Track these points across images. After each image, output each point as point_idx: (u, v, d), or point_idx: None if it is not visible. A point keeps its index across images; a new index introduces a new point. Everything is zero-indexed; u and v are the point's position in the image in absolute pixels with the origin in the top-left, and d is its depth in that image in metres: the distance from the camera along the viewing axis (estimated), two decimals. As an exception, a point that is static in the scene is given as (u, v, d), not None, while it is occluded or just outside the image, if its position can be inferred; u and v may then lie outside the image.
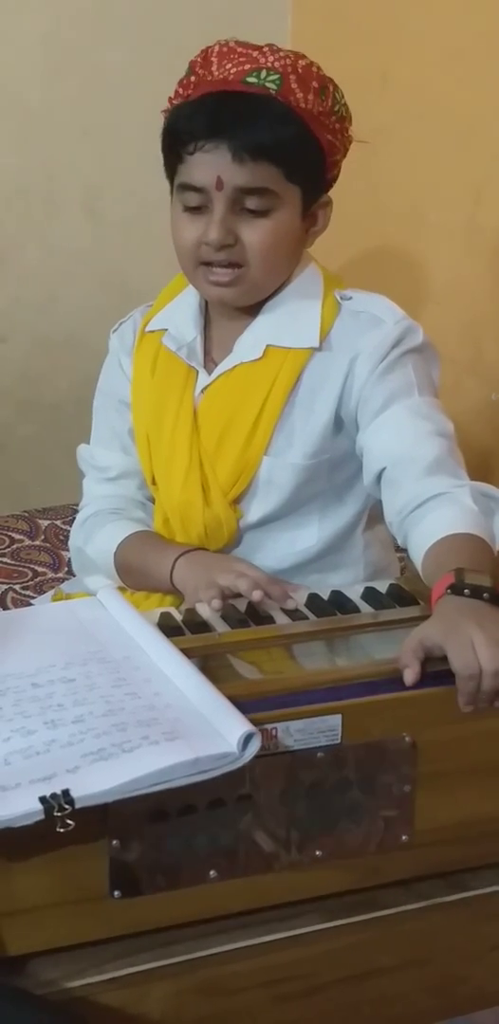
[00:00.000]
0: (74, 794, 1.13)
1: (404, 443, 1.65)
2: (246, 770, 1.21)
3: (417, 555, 1.55)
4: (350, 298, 1.75)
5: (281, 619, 1.53)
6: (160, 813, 1.21)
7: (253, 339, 1.74)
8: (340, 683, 1.32)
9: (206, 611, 1.55)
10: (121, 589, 1.72)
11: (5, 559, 2.42)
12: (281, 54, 1.66)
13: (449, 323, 2.59)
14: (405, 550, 1.64)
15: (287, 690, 1.30)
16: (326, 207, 1.74)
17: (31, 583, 2.34)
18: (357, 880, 1.32)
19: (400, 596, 1.59)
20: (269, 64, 1.64)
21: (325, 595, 1.60)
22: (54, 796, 1.13)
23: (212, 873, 1.25)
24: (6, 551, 2.45)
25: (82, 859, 1.20)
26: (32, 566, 2.40)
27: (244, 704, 1.24)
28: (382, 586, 1.63)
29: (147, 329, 1.84)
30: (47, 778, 1.15)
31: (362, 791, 1.29)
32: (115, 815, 1.19)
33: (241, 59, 1.65)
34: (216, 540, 1.76)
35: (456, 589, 1.37)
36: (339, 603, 1.58)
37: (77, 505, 1.93)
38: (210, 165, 1.62)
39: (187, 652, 1.37)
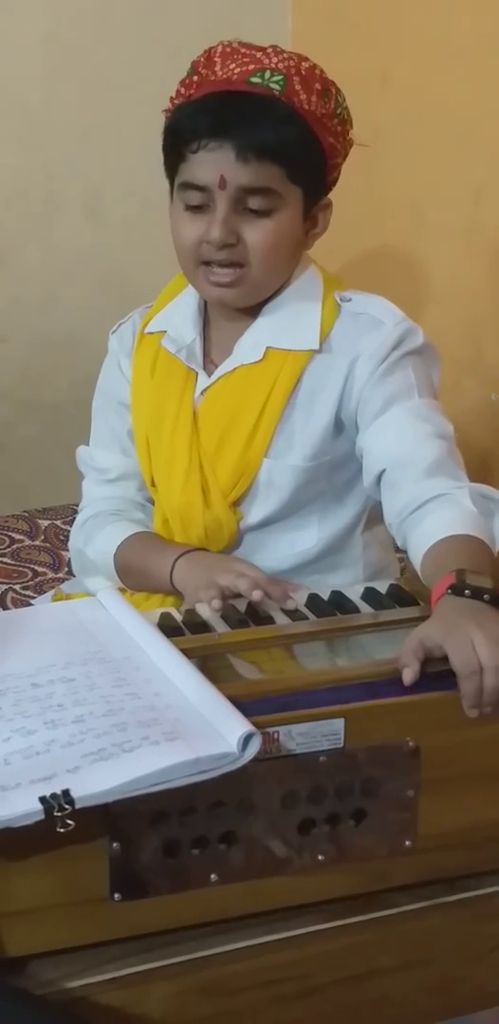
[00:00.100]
0: (74, 794, 1.13)
1: (404, 445, 1.65)
2: (248, 773, 1.21)
3: (416, 556, 1.55)
4: (350, 300, 1.75)
5: (281, 619, 1.53)
6: (161, 816, 1.21)
7: (253, 341, 1.74)
8: (341, 683, 1.31)
9: (206, 611, 1.55)
10: (121, 590, 1.72)
11: (5, 559, 2.42)
12: (285, 55, 1.66)
13: (449, 323, 2.59)
14: (405, 551, 1.64)
15: (287, 690, 1.30)
16: (326, 209, 1.74)
17: (31, 583, 2.34)
18: (360, 885, 1.32)
19: (400, 596, 1.59)
20: (273, 65, 1.64)
21: (325, 595, 1.60)
22: (54, 796, 1.13)
23: (213, 877, 1.25)
24: (6, 551, 2.45)
25: (82, 860, 1.20)
26: (32, 566, 2.40)
27: (245, 705, 1.24)
28: (382, 586, 1.62)
29: (146, 331, 1.84)
30: (47, 778, 1.15)
31: (365, 796, 1.28)
32: (115, 816, 1.19)
33: (245, 59, 1.66)
34: (216, 542, 1.76)
35: (457, 590, 1.37)
36: (339, 603, 1.58)
37: (77, 505, 1.93)
38: (213, 164, 1.62)
39: (187, 652, 1.37)
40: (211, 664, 1.39)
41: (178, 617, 1.55)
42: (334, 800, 1.28)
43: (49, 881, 1.20)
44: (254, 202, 1.64)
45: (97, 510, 1.86)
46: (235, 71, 1.65)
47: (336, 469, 1.76)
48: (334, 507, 1.78)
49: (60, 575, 2.35)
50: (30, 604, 2.19)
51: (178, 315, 1.81)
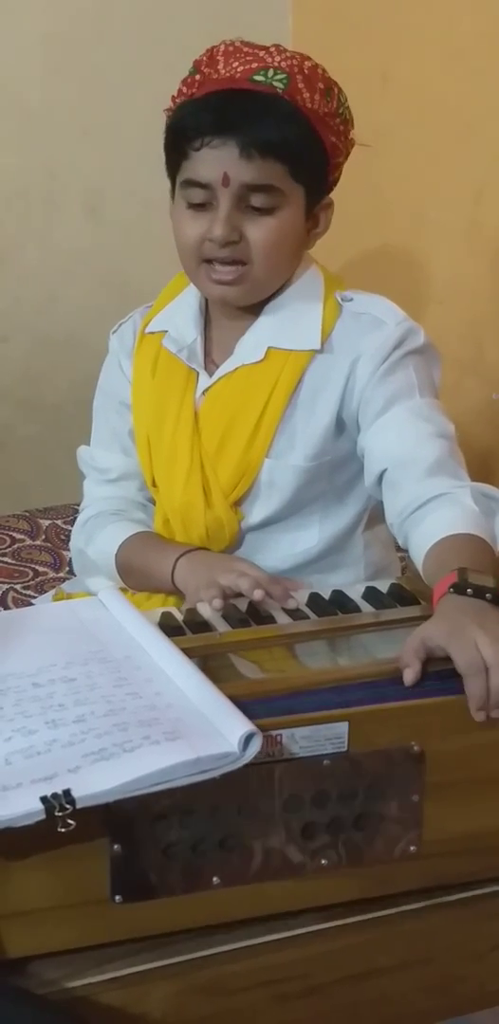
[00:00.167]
0: (75, 794, 1.13)
1: (405, 444, 1.65)
2: (250, 776, 1.20)
3: (418, 555, 1.55)
4: (351, 300, 1.75)
5: (282, 619, 1.53)
6: (162, 818, 1.21)
7: (254, 341, 1.74)
8: (343, 683, 1.31)
9: (207, 611, 1.55)
10: (122, 590, 1.72)
11: (6, 559, 2.42)
12: (287, 54, 1.67)
13: (450, 323, 2.60)
14: (406, 551, 1.64)
15: (289, 690, 1.30)
16: (328, 209, 1.74)
17: (32, 583, 2.34)
18: (365, 890, 1.31)
19: (401, 596, 1.59)
20: (276, 64, 1.65)
21: (326, 595, 1.60)
22: (55, 796, 1.13)
23: (215, 880, 1.25)
24: (7, 551, 2.45)
25: (83, 861, 1.19)
26: (33, 566, 2.40)
27: (247, 706, 1.23)
28: (383, 586, 1.62)
29: (147, 330, 1.84)
30: (48, 778, 1.15)
31: (369, 800, 1.27)
32: (116, 817, 1.19)
33: (248, 58, 1.66)
34: (217, 542, 1.76)
35: (459, 589, 1.36)
36: (340, 603, 1.58)
37: (78, 505, 1.93)
38: (217, 161, 1.62)
39: (188, 652, 1.37)
40: (212, 663, 1.39)
41: (179, 616, 1.55)
42: (338, 804, 1.27)
43: (50, 882, 1.20)
44: (257, 199, 1.64)
45: (98, 510, 1.86)
46: (238, 69, 1.65)
47: (337, 469, 1.76)
48: (335, 507, 1.78)
49: (61, 575, 2.35)
50: (31, 604, 2.19)
51: (179, 315, 1.81)
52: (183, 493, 1.76)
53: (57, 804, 1.12)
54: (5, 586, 2.31)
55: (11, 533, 2.51)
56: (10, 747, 1.21)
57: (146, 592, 1.79)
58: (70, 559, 2.03)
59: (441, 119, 2.61)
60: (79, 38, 2.79)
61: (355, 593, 1.60)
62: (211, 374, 1.77)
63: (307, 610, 1.56)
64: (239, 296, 1.70)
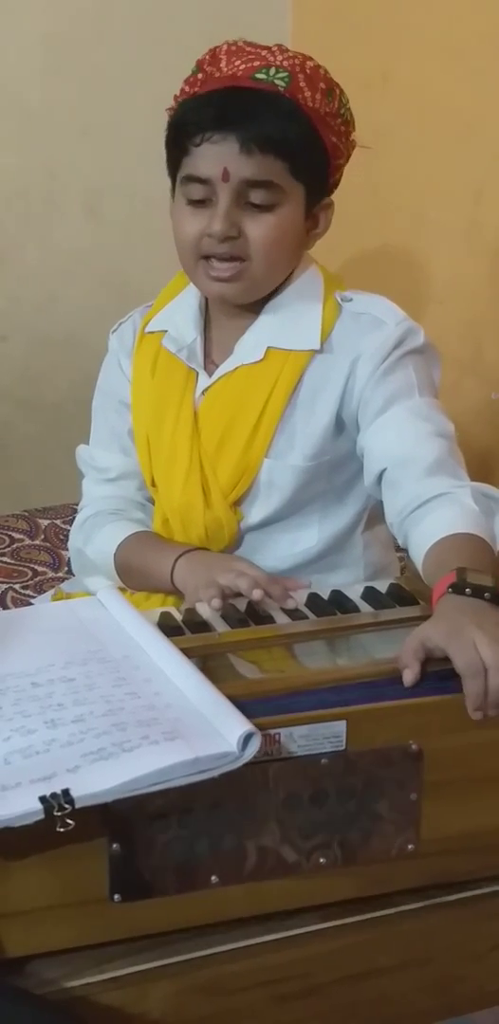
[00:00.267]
0: (74, 793, 1.13)
1: (405, 444, 1.65)
2: (249, 775, 1.20)
3: (418, 555, 1.55)
4: (351, 300, 1.75)
5: (281, 619, 1.53)
6: (162, 817, 1.21)
7: (254, 341, 1.74)
8: (341, 683, 1.31)
9: (206, 610, 1.55)
10: (121, 590, 1.72)
11: (5, 558, 2.42)
12: (290, 54, 1.67)
13: (450, 323, 2.60)
14: (405, 550, 1.64)
15: (288, 690, 1.30)
16: (328, 209, 1.74)
17: (31, 582, 2.34)
18: (362, 888, 1.31)
19: (400, 596, 1.59)
20: (278, 62, 1.65)
21: (325, 595, 1.60)
22: (54, 796, 1.13)
23: (214, 878, 1.25)
24: (6, 550, 2.45)
25: (82, 861, 1.19)
26: (32, 565, 2.40)
27: (246, 705, 1.23)
28: (382, 586, 1.63)
29: (147, 330, 1.83)
30: (47, 778, 1.15)
31: (367, 799, 1.28)
32: (115, 816, 1.19)
33: (250, 56, 1.66)
34: (217, 542, 1.76)
35: (457, 588, 1.36)
36: (339, 603, 1.58)
37: (77, 505, 1.93)
38: (217, 156, 1.62)
39: (187, 652, 1.37)
40: (211, 663, 1.39)
41: (178, 616, 1.55)
42: (336, 803, 1.27)
43: (49, 881, 1.20)
44: (256, 196, 1.64)
45: (97, 509, 1.86)
46: (240, 67, 1.66)
47: (337, 469, 1.75)
48: (335, 507, 1.78)
49: (60, 574, 2.35)
50: (30, 603, 2.19)
51: (179, 314, 1.81)
52: (182, 493, 1.76)
53: (56, 804, 1.12)
54: (4, 586, 2.31)
55: (10, 533, 2.51)
56: (9, 747, 1.21)
57: (145, 592, 1.79)
58: (69, 559, 2.03)
59: (441, 119, 2.61)
60: (79, 38, 2.79)
61: (354, 593, 1.60)
62: (211, 374, 1.77)
63: (306, 610, 1.56)
64: (237, 293, 1.70)
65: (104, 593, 1.56)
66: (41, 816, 1.12)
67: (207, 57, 1.70)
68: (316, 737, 1.25)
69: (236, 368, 1.75)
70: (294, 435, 1.73)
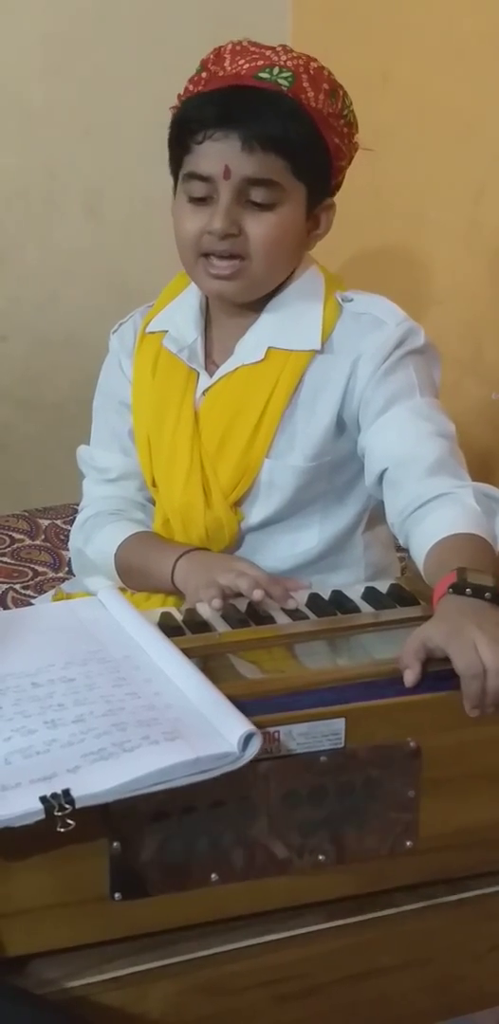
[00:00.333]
0: (74, 794, 1.13)
1: (406, 444, 1.65)
2: (248, 773, 1.21)
3: (419, 555, 1.55)
4: (351, 300, 1.75)
5: (282, 619, 1.53)
6: (162, 815, 1.21)
7: (254, 341, 1.74)
8: (342, 683, 1.31)
9: (206, 611, 1.55)
10: (122, 590, 1.72)
11: (5, 559, 2.42)
12: (294, 54, 1.67)
13: (450, 323, 2.60)
14: (406, 550, 1.64)
15: (288, 690, 1.30)
16: (329, 210, 1.74)
17: (31, 583, 2.34)
18: (361, 885, 1.32)
19: (401, 596, 1.59)
20: (282, 62, 1.65)
21: (326, 595, 1.60)
22: (54, 796, 1.13)
23: (214, 876, 1.25)
24: (6, 551, 2.45)
25: (82, 860, 1.20)
26: (32, 566, 2.40)
27: (245, 705, 1.24)
28: (383, 586, 1.62)
29: (148, 330, 1.83)
30: (47, 778, 1.15)
31: (366, 796, 1.28)
32: (116, 816, 1.19)
33: (254, 56, 1.66)
34: (217, 542, 1.76)
35: (458, 588, 1.36)
36: (339, 603, 1.58)
37: (77, 505, 1.93)
38: (219, 154, 1.62)
39: (187, 652, 1.37)
40: (211, 664, 1.39)
41: (178, 616, 1.55)
42: (335, 800, 1.27)
43: (49, 881, 1.20)
44: (257, 194, 1.64)
45: (97, 510, 1.86)
46: (244, 67, 1.66)
47: (337, 469, 1.75)
48: (335, 507, 1.78)
49: (60, 575, 2.35)
50: (30, 604, 2.19)
51: (180, 315, 1.81)
52: (183, 493, 1.76)
53: (56, 804, 1.12)
54: (4, 586, 2.31)
55: (11, 533, 2.52)
56: (9, 747, 1.21)
57: (145, 592, 1.79)
58: (69, 559, 2.03)
59: (441, 119, 2.61)
60: (79, 38, 2.79)
61: (355, 593, 1.60)
62: (211, 374, 1.77)
63: (306, 610, 1.56)
64: (236, 292, 1.70)
65: (104, 593, 1.56)
66: (41, 816, 1.12)
67: (211, 56, 1.71)
68: (315, 735, 1.25)
69: (237, 368, 1.75)
70: (295, 435, 1.73)
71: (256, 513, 1.76)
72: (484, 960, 1.38)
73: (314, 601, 1.58)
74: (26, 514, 2.59)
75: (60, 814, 1.12)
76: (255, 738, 1.19)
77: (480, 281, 2.62)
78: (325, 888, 1.31)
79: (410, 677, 1.30)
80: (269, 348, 1.73)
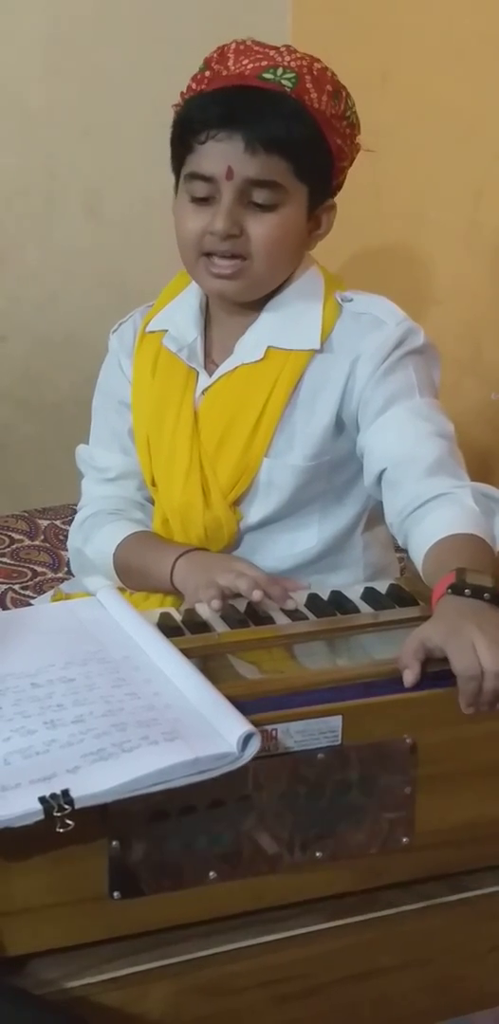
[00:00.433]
0: (74, 794, 1.13)
1: (405, 444, 1.65)
2: (246, 771, 1.21)
3: (418, 555, 1.55)
4: (351, 300, 1.75)
5: (281, 619, 1.53)
6: (160, 814, 1.21)
7: (254, 340, 1.74)
8: (340, 683, 1.31)
9: (206, 611, 1.55)
10: (121, 589, 1.72)
11: (5, 559, 2.42)
12: (298, 55, 1.67)
13: (449, 323, 2.60)
14: (405, 551, 1.64)
15: (287, 690, 1.30)
16: (330, 211, 1.74)
17: (31, 583, 2.34)
18: (358, 882, 1.32)
19: (400, 596, 1.59)
20: (285, 63, 1.65)
21: (325, 595, 1.60)
22: (54, 796, 1.13)
23: (212, 874, 1.25)
24: (6, 551, 2.45)
25: (82, 860, 1.20)
26: (32, 566, 2.40)
27: (244, 704, 1.24)
28: (382, 586, 1.62)
29: (147, 330, 1.83)
30: (47, 778, 1.15)
31: (362, 793, 1.29)
32: (115, 815, 1.19)
33: (258, 56, 1.66)
34: (216, 542, 1.76)
35: (457, 589, 1.36)
36: (339, 603, 1.58)
37: (77, 505, 1.93)
38: (222, 154, 1.62)
39: (187, 652, 1.37)
40: (211, 664, 1.39)
41: (178, 617, 1.55)
42: (332, 797, 1.28)
43: (49, 880, 1.20)
44: (259, 195, 1.64)
45: (96, 509, 1.86)
46: (247, 67, 1.66)
47: (336, 469, 1.75)
48: (334, 507, 1.78)
49: (60, 575, 2.35)
50: (30, 604, 2.19)
51: (179, 314, 1.81)
52: (182, 493, 1.76)
53: (56, 804, 1.12)
54: (4, 586, 2.31)
55: (10, 533, 2.52)
56: (9, 747, 1.21)
57: (144, 592, 1.79)
58: (68, 559, 2.03)
59: (441, 119, 2.61)
60: (79, 38, 2.79)
61: (354, 594, 1.60)
62: (211, 373, 1.77)
63: (306, 611, 1.56)
64: (237, 291, 1.70)
65: (104, 593, 1.56)
66: (41, 816, 1.12)
67: (215, 55, 1.71)
68: (312, 732, 1.26)
69: (236, 368, 1.75)
70: (294, 435, 1.73)
71: (255, 512, 1.76)
72: (484, 960, 1.38)
73: (313, 601, 1.58)
74: (25, 514, 2.59)
75: (59, 814, 1.12)
76: (254, 738, 1.19)
77: (480, 281, 2.62)
78: (323, 885, 1.31)
79: (409, 677, 1.30)
80: (269, 347, 1.73)
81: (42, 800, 1.13)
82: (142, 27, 2.82)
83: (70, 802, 1.13)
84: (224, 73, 1.68)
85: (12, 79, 2.77)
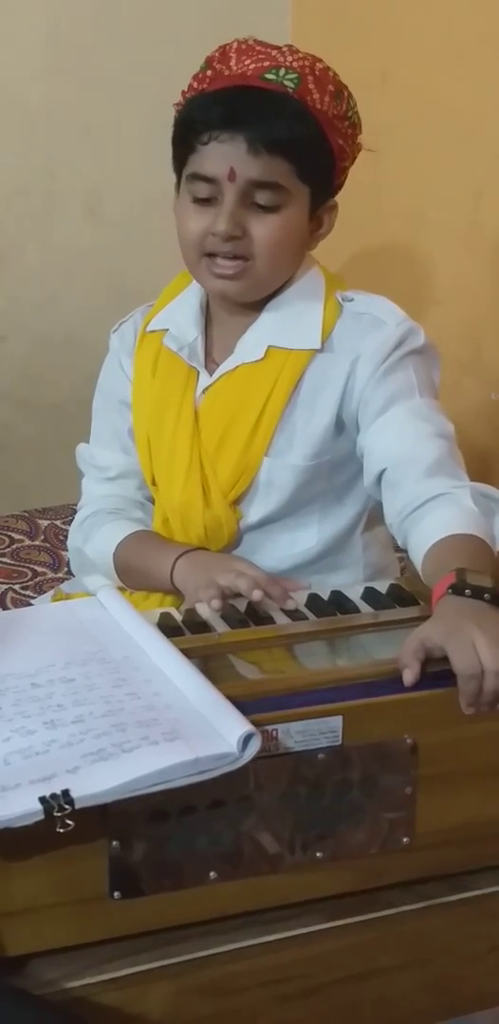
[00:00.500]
0: (74, 794, 1.13)
1: (404, 444, 1.65)
2: (246, 771, 1.21)
3: (417, 555, 1.55)
4: (352, 300, 1.75)
5: (281, 619, 1.53)
6: (160, 814, 1.21)
7: (255, 340, 1.74)
8: (340, 683, 1.31)
9: (206, 611, 1.55)
10: (120, 589, 1.72)
11: (5, 559, 2.42)
12: (300, 55, 1.67)
13: (449, 323, 2.60)
14: (405, 551, 1.64)
15: (287, 690, 1.30)
16: (332, 211, 1.74)
17: (31, 583, 2.34)
18: (358, 882, 1.32)
19: (400, 596, 1.59)
20: (288, 63, 1.65)
21: (325, 595, 1.60)
22: (54, 796, 1.13)
23: (212, 874, 1.25)
24: (6, 551, 2.45)
25: (82, 860, 1.20)
26: (32, 566, 2.40)
27: (244, 704, 1.24)
28: (382, 586, 1.62)
29: (148, 329, 1.83)
30: (47, 778, 1.15)
31: (363, 793, 1.28)
32: (115, 816, 1.19)
33: (260, 56, 1.66)
34: (216, 541, 1.76)
35: (457, 589, 1.36)
36: (339, 603, 1.58)
37: (77, 505, 1.93)
38: (224, 156, 1.62)
39: (187, 652, 1.37)
40: (211, 664, 1.39)
41: (178, 617, 1.55)
42: (332, 797, 1.28)
43: (49, 880, 1.20)
44: (262, 197, 1.64)
45: (96, 508, 1.86)
46: (250, 67, 1.66)
47: (336, 469, 1.75)
48: (334, 507, 1.78)
49: (60, 575, 2.35)
50: (30, 604, 2.19)
51: (180, 313, 1.81)
52: (182, 492, 1.76)
53: (56, 804, 1.12)
54: (4, 586, 2.31)
55: (10, 533, 2.52)
56: (9, 747, 1.21)
57: (144, 591, 1.79)
58: (69, 559, 2.03)
59: (441, 119, 2.61)
60: (79, 38, 2.79)
61: (354, 594, 1.60)
62: (211, 373, 1.77)
63: (306, 611, 1.56)
64: (240, 291, 1.70)
65: (104, 593, 1.55)
66: (41, 817, 1.12)
67: (217, 54, 1.70)
68: (312, 732, 1.26)
69: (237, 367, 1.75)
70: (294, 434, 1.73)
71: (255, 512, 1.76)
72: (484, 960, 1.38)
73: (313, 601, 1.58)
74: (25, 514, 2.59)
75: (59, 814, 1.12)
76: (254, 738, 1.19)
77: (480, 281, 2.62)
78: (323, 885, 1.31)
79: (409, 676, 1.30)
80: (269, 347, 1.73)
81: (42, 800, 1.13)
82: (142, 27, 2.83)
83: (70, 802, 1.13)
84: (226, 73, 1.68)
85: (12, 79, 2.77)
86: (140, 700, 1.28)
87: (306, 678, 1.37)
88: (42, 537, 2.51)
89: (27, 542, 2.49)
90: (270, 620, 1.53)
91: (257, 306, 1.75)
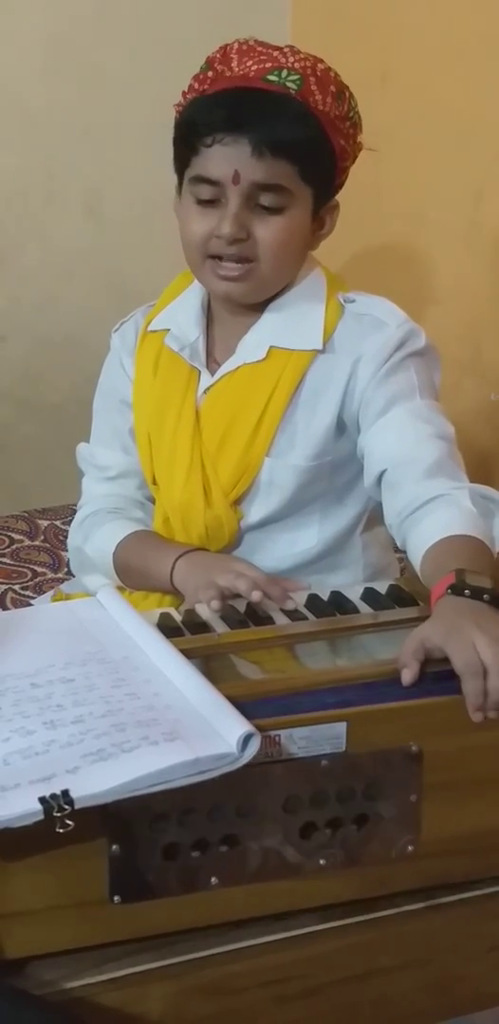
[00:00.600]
0: (74, 794, 1.13)
1: (405, 445, 1.65)
2: (249, 776, 1.20)
3: (416, 556, 1.55)
4: (353, 301, 1.75)
5: (281, 620, 1.53)
6: (162, 818, 1.21)
7: (256, 340, 1.74)
8: (341, 683, 1.31)
9: (205, 612, 1.55)
10: (120, 589, 1.72)
11: (5, 559, 2.42)
12: (301, 56, 1.67)
13: (450, 323, 2.60)
14: (404, 552, 1.64)
15: (287, 690, 1.30)
16: (334, 211, 1.74)
17: (31, 583, 2.34)
18: (362, 890, 1.31)
19: (399, 597, 1.58)
20: (290, 64, 1.65)
21: (325, 596, 1.60)
22: (53, 796, 1.13)
23: (214, 880, 1.25)
24: (6, 551, 2.45)
25: (82, 862, 1.19)
26: (32, 566, 2.40)
27: (245, 707, 1.23)
28: (382, 587, 1.62)
29: (149, 329, 1.84)
30: (46, 778, 1.15)
31: (367, 800, 1.27)
32: (115, 816, 1.19)
33: (262, 57, 1.66)
34: (217, 541, 1.76)
35: (456, 590, 1.36)
36: (339, 604, 1.58)
37: (77, 505, 1.93)
38: (228, 159, 1.62)
39: (186, 653, 1.36)
40: (210, 664, 1.39)
41: (178, 617, 1.55)
42: (336, 804, 1.27)
43: (48, 883, 1.20)
44: (266, 199, 1.64)
45: (96, 508, 1.86)
46: (252, 68, 1.65)
47: (337, 470, 1.76)
48: (335, 508, 1.78)
49: (59, 575, 2.35)
50: (30, 604, 2.19)
51: (181, 313, 1.81)
52: (183, 491, 1.76)
53: (55, 805, 1.12)
54: (4, 587, 2.31)
55: (10, 534, 2.52)
56: (8, 747, 1.21)
57: (144, 591, 1.79)
58: (69, 559, 2.03)
59: (441, 119, 2.61)
60: (79, 38, 2.79)
61: (354, 594, 1.60)
62: (213, 373, 1.77)
63: (306, 611, 1.56)
64: (244, 293, 1.70)
65: (104, 593, 1.55)
66: (41, 817, 1.12)
67: (218, 55, 1.70)
68: (316, 739, 1.25)
69: (238, 367, 1.75)
70: (295, 435, 1.73)
71: (255, 512, 1.76)
72: (484, 960, 1.38)
73: (313, 602, 1.58)
74: (25, 515, 2.59)
75: (59, 815, 1.12)
76: (254, 738, 1.19)
77: (480, 281, 2.62)
78: (326, 893, 1.30)
79: (408, 676, 1.30)
80: (271, 347, 1.73)
81: (42, 800, 1.13)
82: (142, 27, 2.83)
83: (70, 802, 1.13)
84: (228, 74, 1.67)
85: (12, 79, 2.77)
86: (140, 700, 1.28)
87: (307, 678, 1.36)
88: (42, 537, 2.51)
89: (27, 542, 2.49)
90: (270, 620, 1.53)
91: (259, 307, 1.75)
